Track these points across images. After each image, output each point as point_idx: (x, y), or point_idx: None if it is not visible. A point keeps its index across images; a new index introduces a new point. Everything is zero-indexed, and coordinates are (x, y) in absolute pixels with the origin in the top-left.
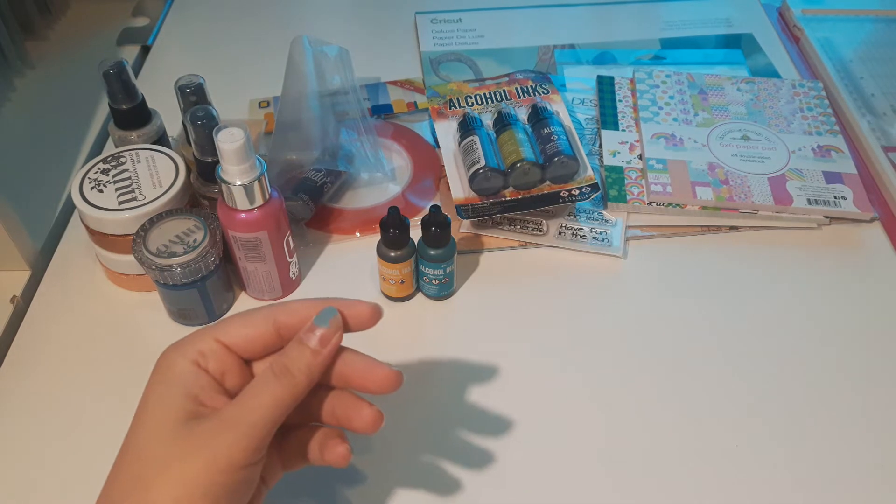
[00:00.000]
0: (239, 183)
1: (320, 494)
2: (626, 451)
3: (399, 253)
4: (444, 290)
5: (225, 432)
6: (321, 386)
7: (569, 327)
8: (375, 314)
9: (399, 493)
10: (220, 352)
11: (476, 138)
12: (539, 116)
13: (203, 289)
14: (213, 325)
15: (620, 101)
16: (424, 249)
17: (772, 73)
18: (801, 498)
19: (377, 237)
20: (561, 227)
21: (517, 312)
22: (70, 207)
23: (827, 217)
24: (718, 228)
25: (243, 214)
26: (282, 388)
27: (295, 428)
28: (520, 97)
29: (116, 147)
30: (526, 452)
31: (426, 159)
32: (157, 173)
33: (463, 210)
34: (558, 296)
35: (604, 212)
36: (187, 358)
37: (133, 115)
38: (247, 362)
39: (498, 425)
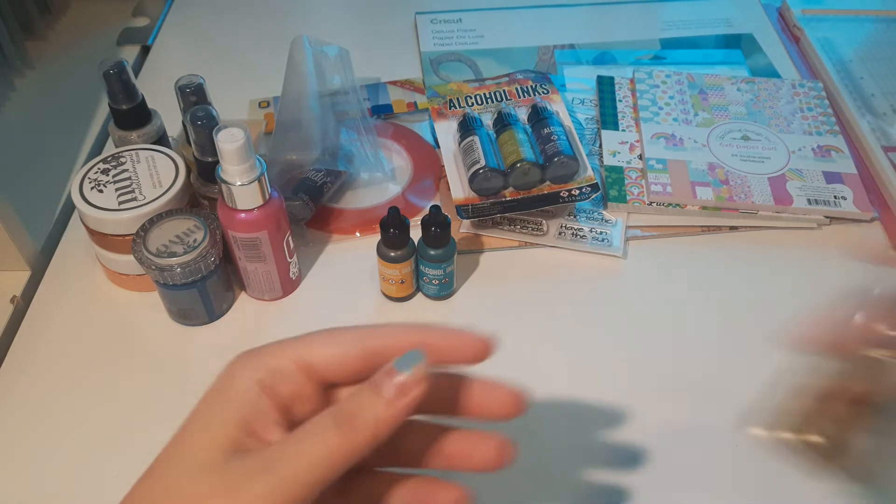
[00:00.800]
0: (239, 183)
1: None
2: (627, 448)
3: (399, 253)
4: (444, 291)
5: (258, 479)
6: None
7: (569, 327)
8: (485, 349)
9: None
10: (295, 374)
11: (476, 138)
12: (539, 116)
13: (203, 289)
14: (293, 339)
15: (620, 101)
16: (424, 249)
17: (772, 73)
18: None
19: (377, 237)
20: (561, 227)
21: (517, 312)
22: (70, 207)
23: (827, 217)
24: (718, 228)
25: (243, 214)
26: (338, 441)
27: (366, 472)
28: (520, 97)
29: (116, 147)
30: (526, 453)
31: (426, 159)
32: (157, 173)
33: (463, 210)
34: (558, 296)
35: (604, 212)
36: (253, 376)
37: (133, 116)
38: (326, 387)
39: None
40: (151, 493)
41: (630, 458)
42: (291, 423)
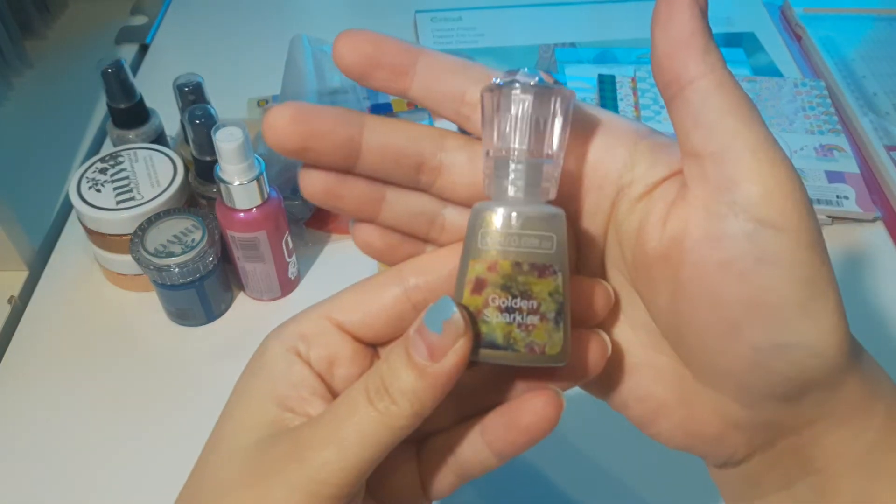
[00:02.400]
0: (237, 182)
1: None
2: (628, 449)
3: None
4: None
5: (288, 469)
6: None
7: None
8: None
9: None
10: (330, 334)
11: None
12: None
13: (201, 289)
14: (324, 301)
15: (622, 100)
16: None
17: (773, 71)
18: None
19: None
20: None
21: None
22: (68, 207)
23: (829, 217)
24: None
25: (242, 214)
26: (373, 422)
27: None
28: None
29: (114, 146)
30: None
31: None
32: (156, 173)
33: None
34: None
35: None
36: (283, 344)
37: (131, 115)
38: (374, 346)
39: None
40: (197, 485)
41: (630, 458)
42: (335, 389)
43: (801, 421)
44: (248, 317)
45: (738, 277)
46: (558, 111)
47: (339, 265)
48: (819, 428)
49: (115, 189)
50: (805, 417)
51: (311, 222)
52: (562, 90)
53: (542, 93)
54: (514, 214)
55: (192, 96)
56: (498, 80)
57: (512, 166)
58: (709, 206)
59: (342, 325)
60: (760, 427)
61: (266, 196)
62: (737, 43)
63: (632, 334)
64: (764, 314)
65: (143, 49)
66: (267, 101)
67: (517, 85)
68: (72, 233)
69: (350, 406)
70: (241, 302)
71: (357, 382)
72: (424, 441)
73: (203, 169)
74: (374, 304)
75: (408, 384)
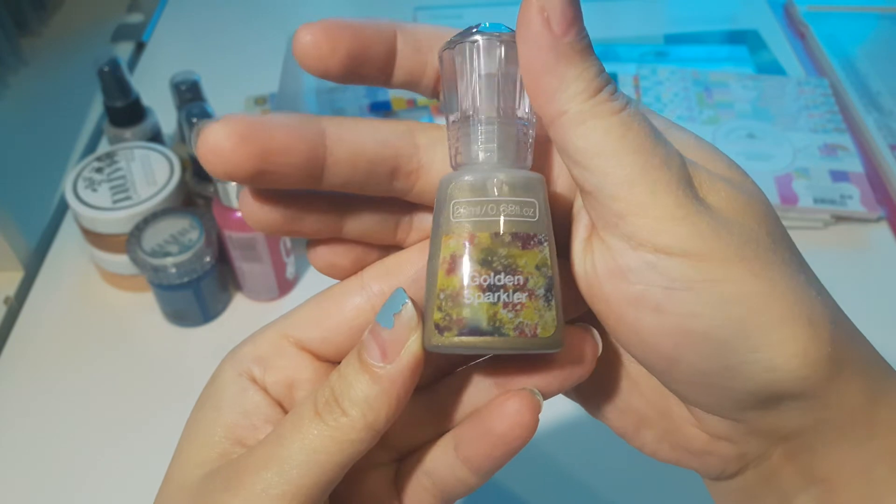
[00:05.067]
0: (235, 182)
1: None
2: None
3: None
4: None
5: (228, 497)
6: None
7: None
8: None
9: None
10: (289, 355)
11: None
12: None
13: (198, 289)
14: (280, 319)
15: None
16: None
17: (777, 69)
18: None
19: None
20: None
21: None
22: (64, 206)
23: (833, 216)
24: None
25: (239, 213)
26: (320, 438)
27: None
28: None
29: (111, 145)
30: (527, 453)
31: None
32: (152, 172)
33: None
34: None
35: None
36: (236, 369)
37: (127, 113)
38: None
39: None
40: None
41: (631, 459)
42: None
43: (788, 430)
44: (245, 318)
45: (654, 311)
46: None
47: None
48: (814, 436)
49: (111, 188)
50: (792, 426)
51: None
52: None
53: (509, 42)
54: (488, 179)
55: (188, 94)
56: (457, 37)
57: (481, 128)
58: (608, 240)
59: (301, 343)
60: (746, 438)
61: None
62: (740, 41)
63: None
64: (696, 342)
65: (140, 47)
66: (265, 100)
67: (479, 36)
68: (68, 233)
69: (295, 422)
70: (239, 303)
71: (304, 397)
72: (402, 462)
73: (200, 168)
74: (334, 318)
75: (359, 392)
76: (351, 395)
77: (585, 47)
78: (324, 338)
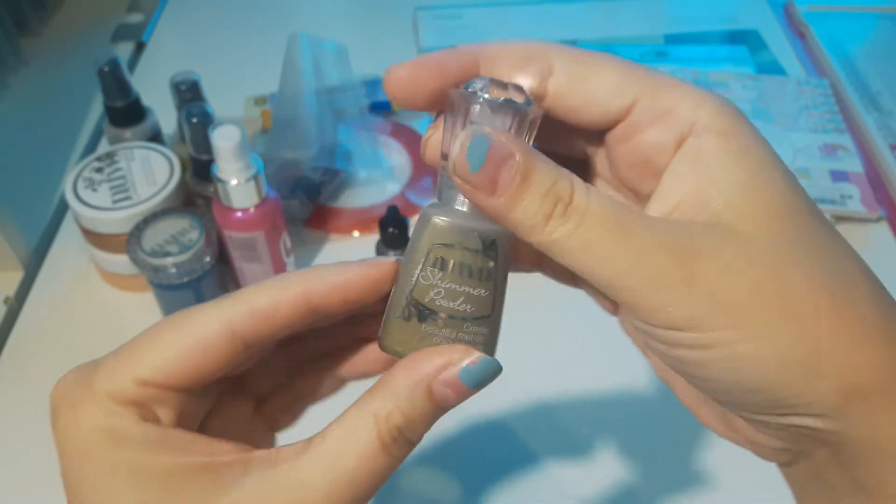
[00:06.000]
0: (235, 181)
1: None
2: (632, 452)
3: (399, 253)
4: None
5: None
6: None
7: (572, 327)
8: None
9: (397, 495)
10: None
11: None
12: None
13: (198, 289)
14: (123, 349)
15: None
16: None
17: (777, 69)
18: None
19: (376, 237)
20: None
21: (518, 311)
22: (64, 206)
23: (833, 217)
24: None
25: (239, 214)
26: (387, 468)
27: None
28: None
29: (111, 145)
30: (525, 456)
31: None
32: (152, 172)
33: None
34: (561, 295)
35: None
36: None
37: (127, 113)
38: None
39: (499, 425)
40: None
41: (634, 458)
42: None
43: (828, 435)
44: None
45: (686, 383)
46: (515, 129)
47: None
48: (858, 444)
49: (111, 188)
50: (832, 432)
51: (309, 222)
52: (519, 109)
53: (496, 108)
54: (451, 225)
55: (189, 94)
56: (469, 83)
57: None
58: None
59: (149, 382)
60: (783, 435)
61: (263, 195)
62: (740, 41)
63: None
64: (733, 408)
65: (140, 47)
66: (265, 100)
67: (471, 92)
68: (68, 232)
69: (360, 458)
70: None
71: (354, 419)
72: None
73: (200, 168)
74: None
75: (425, 423)
76: (420, 428)
77: (520, 183)
78: (185, 369)
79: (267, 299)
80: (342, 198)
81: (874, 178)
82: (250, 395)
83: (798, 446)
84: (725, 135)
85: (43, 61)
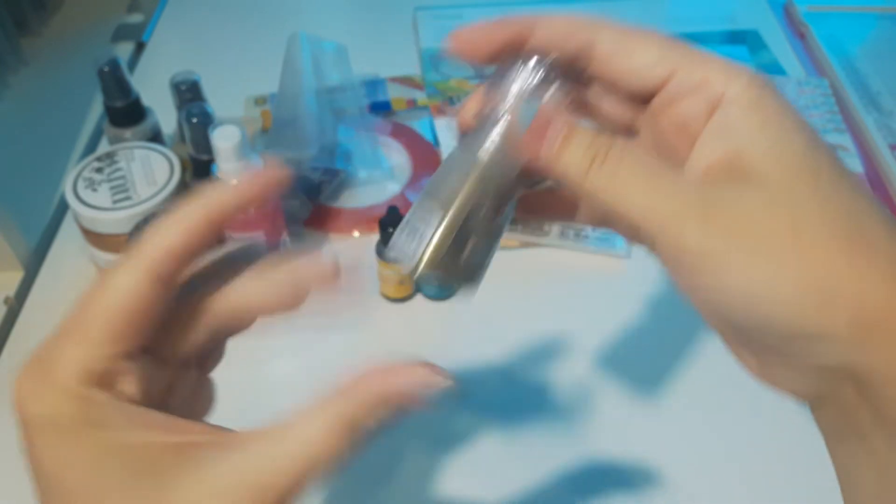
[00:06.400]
0: (235, 181)
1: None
2: (633, 449)
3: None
4: (445, 291)
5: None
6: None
7: (572, 327)
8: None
9: (397, 494)
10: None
11: None
12: None
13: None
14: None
15: None
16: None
17: (777, 69)
18: None
19: (376, 237)
20: (564, 226)
21: (518, 313)
22: (64, 206)
23: None
24: None
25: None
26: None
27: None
28: None
29: (111, 145)
30: (526, 455)
31: (426, 157)
32: (152, 172)
33: None
34: (561, 296)
35: None
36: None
37: (127, 113)
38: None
39: (499, 427)
40: None
41: (635, 458)
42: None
43: (849, 370)
44: None
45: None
46: (558, 101)
47: None
48: (879, 377)
49: (111, 188)
50: (851, 364)
51: (309, 222)
52: (562, 84)
53: (541, 83)
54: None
55: (188, 94)
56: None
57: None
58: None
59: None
60: (802, 371)
61: None
62: (740, 41)
63: None
64: (758, 345)
65: (140, 47)
66: (265, 100)
67: (522, 63)
68: (68, 232)
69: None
70: None
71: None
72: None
73: (200, 168)
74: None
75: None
76: (378, 423)
77: (566, 137)
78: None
79: (180, 237)
80: (342, 198)
81: (874, 178)
82: (195, 363)
83: (824, 385)
84: (752, 105)
85: (43, 61)
